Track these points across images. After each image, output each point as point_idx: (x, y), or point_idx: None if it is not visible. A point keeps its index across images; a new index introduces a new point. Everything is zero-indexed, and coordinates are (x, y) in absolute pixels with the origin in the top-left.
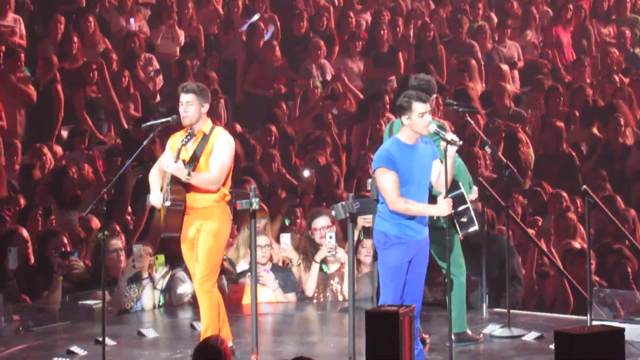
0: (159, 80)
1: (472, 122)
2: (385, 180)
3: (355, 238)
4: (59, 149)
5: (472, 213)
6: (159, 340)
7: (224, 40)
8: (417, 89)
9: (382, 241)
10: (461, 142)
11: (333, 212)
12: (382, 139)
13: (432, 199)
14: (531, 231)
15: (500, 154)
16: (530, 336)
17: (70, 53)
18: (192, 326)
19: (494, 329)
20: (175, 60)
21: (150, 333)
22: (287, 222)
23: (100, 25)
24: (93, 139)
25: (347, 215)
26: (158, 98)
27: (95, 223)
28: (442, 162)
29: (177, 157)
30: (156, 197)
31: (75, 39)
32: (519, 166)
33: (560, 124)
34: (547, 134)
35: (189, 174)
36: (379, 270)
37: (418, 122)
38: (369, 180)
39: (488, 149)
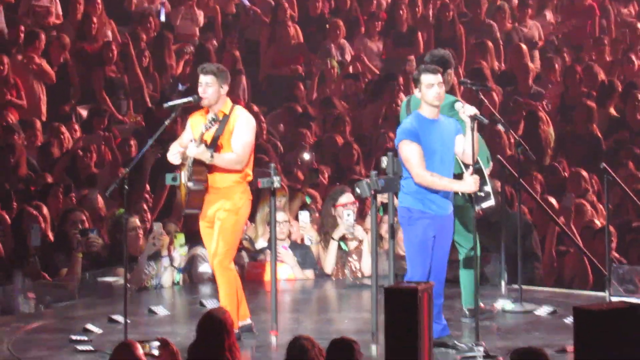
0: (182, 64)
1: (485, 100)
2: (410, 153)
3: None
4: (77, 129)
5: (490, 188)
6: (168, 318)
7: (245, 20)
8: (430, 64)
9: (406, 217)
10: (487, 121)
11: (357, 190)
12: (398, 118)
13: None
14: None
15: (520, 133)
16: (543, 311)
17: (90, 33)
18: (201, 303)
19: (505, 304)
20: (195, 42)
21: (160, 310)
22: (308, 200)
23: (118, 7)
24: (112, 118)
25: (372, 192)
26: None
27: (101, 202)
28: (464, 136)
29: (200, 142)
30: (175, 151)
31: (95, 20)
32: (539, 145)
33: (592, 104)
34: (578, 114)
35: (212, 156)
36: (405, 247)
37: (427, 93)
38: (384, 158)
39: (501, 127)
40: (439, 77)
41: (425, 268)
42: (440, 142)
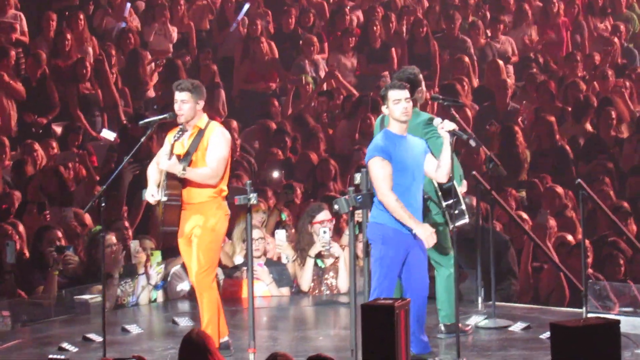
0: (155, 77)
1: (457, 116)
2: (379, 170)
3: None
4: (52, 145)
5: (463, 206)
6: (143, 335)
7: (219, 36)
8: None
9: (379, 234)
10: (466, 137)
11: (336, 206)
12: (372, 134)
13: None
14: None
15: (496, 149)
16: (517, 327)
17: (64, 50)
18: (174, 321)
19: (479, 320)
20: (167, 58)
21: (134, 329)
22: (283, 217)
23: (90, 23)
24: (87, 135)
25: (350, 209)
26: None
27: (89, 219)
28: (435, 157)
29: (171, 154)
30: (150, 193)
31: (69, 36)
32: (517, 161)
33: (551, 118)
34: (540, 128)
35: (183, 169)
36: (373, 263)
37: (393, 109)
38: (357, 175)
39: (472, 143)
40: (405, 93)
41: (393, 284)
42: (412, 158)
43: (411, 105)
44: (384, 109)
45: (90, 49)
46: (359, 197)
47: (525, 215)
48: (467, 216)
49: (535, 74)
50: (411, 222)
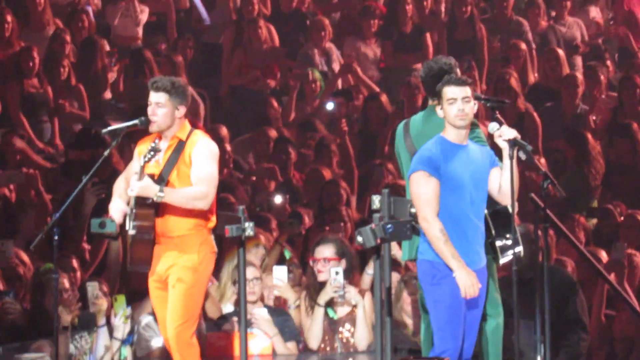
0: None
1: (503, 120)
2: (423, 188)
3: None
4: None
5: (518, 234)
6: None
7: (198, 17)
8: (424, 85)
9: (429, 273)
10: (530, 147)
11: (359, 238)
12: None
13: None
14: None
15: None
16: None
17: (2, 36)
18: None
19: None
20: (137, 46)
21: None
22: (287, 255)
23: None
24: (32, 146)
25: (378, 242)
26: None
27: (26, 257)
28: (501, 168)
29: (142, 175)
30: (117, 209)
31: (9, 19)
32: (586, 181)
33: (635, 126)
34: (620, 140)
35: (161, 191)
36: (431, 314)
37: (448, 110)
38: (375, 197)
39: (522, 155)
40: (465, 90)
41: (458, 340)
42: (470, 174)
43: (472, 106)
44: (438, 109)
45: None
46: (388, 226)
47: (603, 254)
48: (521, 246)
49: (600, 67)
50: (453, 262)
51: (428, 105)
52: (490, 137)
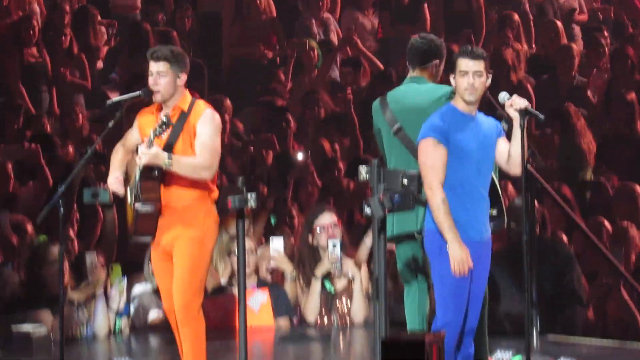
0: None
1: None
2: (429, 156)
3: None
4: None
5: (503, 205)
6: None
7: None
8: (414, 51)
9: (436, 243)
10: (542, 116)
11: (367, 209)
12: None
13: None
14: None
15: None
16: None
17: (1, 5)
18: None
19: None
20: (135, 16)
21: None
22: (272, 221)
23: None
24: (29, 117)
25: (386, 212)
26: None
27: (30, 227)
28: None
29: (151, 144)
30: (114, 177)
31: None
32: (579, 156)
33: (631, 96)
34: (615, 110)
35: (169, 158)
36: (435, 285)
37: (458, 81)
38: (362, 168)
39: (504, 125)
40: (477, 64)
41: (461, 313)
42: (477, 143)
43: (483, 81)
44: (451, 78)
45: (36, 6)
46: (396, 196)
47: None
48: (505, 220)
49: (602, 39)
50: (449, 234)
51: (408, 77)
52: (501, 107)
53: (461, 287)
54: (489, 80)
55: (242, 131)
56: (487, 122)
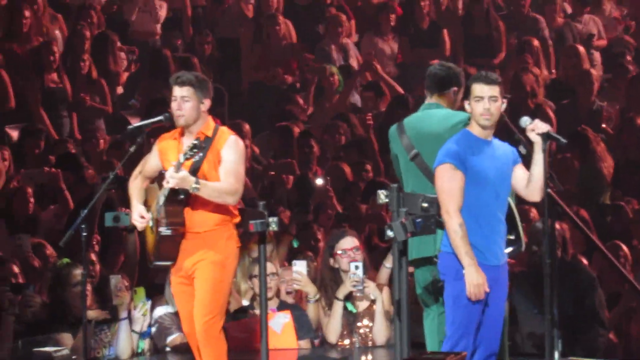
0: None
1: (504, 115)
2: (447, 181)
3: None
4: (7, 156)
5: (520, 229)
6: None
7: (218, 12)
8: (432, 78)
9: (452, 267)
10: (565, 141)
11: (390, 232)
12: None
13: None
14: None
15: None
16: None
17: (20, 31)
18: None
19: None
20: (154, 42)
21: None
22: (295, 244)
23: None
24: (50, 141)
25: (408, 235)
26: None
27: (51, 249)
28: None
29: (179, 168)
30: (138, 214)
31: (27, 14)
32: (598, 182)
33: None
34: (627, 135)
35: (196, 183)
36: (447, 307)
37: (473, 107)
38: (380, 192)
39: (522, 149)
40: (492, 89)
41: (471, 335)
42: (494, 168)
43: (498, 106)
44: (466, 104)
45: (57, 32)
46: (418, 220)
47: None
48: (522, 244)
49: (625, 64)
50: (465, 258)
51: (425, 103)
52: (520, 131)
53: (475, 310)
54: (504, 105)
55: (259, 155)
56: (502, 147)
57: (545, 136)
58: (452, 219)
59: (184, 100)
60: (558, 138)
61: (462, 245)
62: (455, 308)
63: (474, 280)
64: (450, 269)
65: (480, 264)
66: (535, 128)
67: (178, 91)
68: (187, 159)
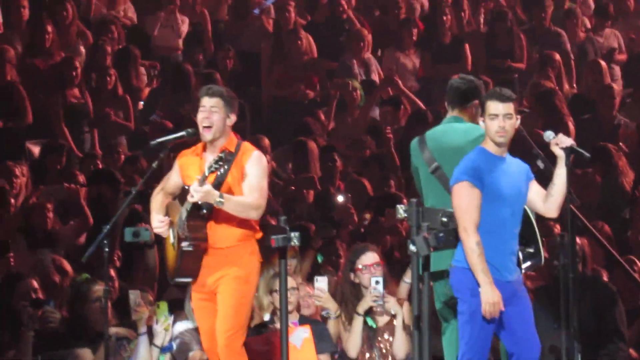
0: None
1: (522, 129)
2: (465, 199)
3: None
4: (25, 172)
5: (540, 243)
6: None
7: (239, 27)
8: (454, 92)
9: (469, 283)
10: (588, 155)
11: (412, 247)
12: None
13: None
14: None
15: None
16: None
17: (43, 46)
18: None
19: None
20: (177, 57)
21: None
22: (319, 259)
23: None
24: (72, 157)
25: (431, 250)
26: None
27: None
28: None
29: (204, 181)
30: (158, 220)
31: (49, 29)
32: (620, 197)
33: None
34: None
35: (221, 197)
36: (460, 322)
37: (488, 124)
38: (399, 207)
39: (540, 164)
40: (506, 107)
41: (485, 354)
42: (510, 186)
43: (513, 123)
44: (480, 121)
45: (82, 48)
46: (441, 234)
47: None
48: (542, 258)
49: None
50: (482, 276)
51: (447, 116)
52: (540, 145)
53: (488, 329)
54: (519, 122)
55: (277, 168)
56: (516, 163)
57: (569, 150)
58: (470, 237)
59: (213, 111)
60: (582, 152)
61: (478, 262)
62: (471, 325)
63: (490, 299)
64: (464, 285)
65: (495, 281)
66: (559, 142)
67: (207, 101)
68: (211, 172)
